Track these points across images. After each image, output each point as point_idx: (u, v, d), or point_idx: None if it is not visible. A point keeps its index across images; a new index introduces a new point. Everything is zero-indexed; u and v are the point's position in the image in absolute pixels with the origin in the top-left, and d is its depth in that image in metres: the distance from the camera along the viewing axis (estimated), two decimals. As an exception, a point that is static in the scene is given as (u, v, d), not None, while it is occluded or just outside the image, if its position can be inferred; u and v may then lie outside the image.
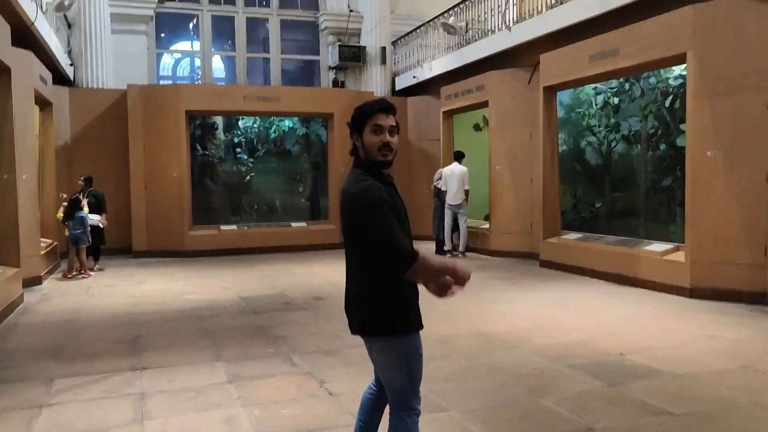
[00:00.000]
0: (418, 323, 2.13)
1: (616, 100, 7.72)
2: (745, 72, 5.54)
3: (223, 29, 12.67)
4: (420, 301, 2.17)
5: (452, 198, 9.11)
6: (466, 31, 10.08)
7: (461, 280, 1.95)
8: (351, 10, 12.57)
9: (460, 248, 9.29)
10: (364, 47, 12.41)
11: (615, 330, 4.88)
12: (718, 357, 4.16)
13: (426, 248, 10.20)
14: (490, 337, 4.77)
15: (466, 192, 9.09)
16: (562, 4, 7.74)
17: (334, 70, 12.62)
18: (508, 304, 5.93)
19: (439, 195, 9.48)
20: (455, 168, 9.16)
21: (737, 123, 5.61)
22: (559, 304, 5.95)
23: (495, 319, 5.34)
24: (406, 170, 11.42)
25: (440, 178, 9.54)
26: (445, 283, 1.93)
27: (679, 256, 6.17)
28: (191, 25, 12.86)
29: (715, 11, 5.66)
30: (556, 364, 4.05)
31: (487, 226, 9.72)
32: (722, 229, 5.72)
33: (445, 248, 9.41)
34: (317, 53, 13.02)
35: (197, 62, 13.00)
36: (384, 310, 2.07)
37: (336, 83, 12.60)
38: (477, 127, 11.03)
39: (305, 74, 13.44)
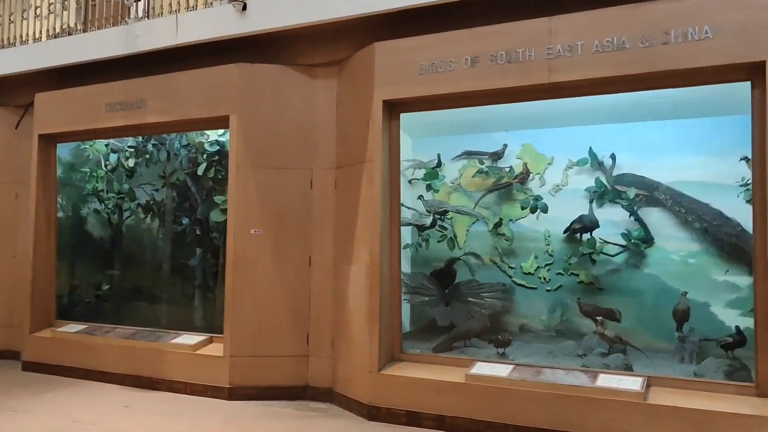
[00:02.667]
0: None
1: (132, 162, 6.52)
2: (291, 146, 5.16)
3: None
4: None
5: None
6: None
7: None
8: None
9: None
10: None
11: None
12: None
13: None
14: None
15: None
16: (70, 35, 6.20)
17: None
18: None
19: None
20: None
21: (283, 200, 5.15)
22: (66, 433, 4.22)
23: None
24: None
25: None
26: None
27: (215, 350, 5.25)
28: None
29: (261, 75, 5.16)
30: None
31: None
32: (267, 316, 5.07)
33: None
34: None
35: None
36: None
37: None
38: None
39: None
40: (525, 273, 5.72)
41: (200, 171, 5.95)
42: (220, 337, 5.25)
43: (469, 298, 5.59)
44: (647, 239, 5.24)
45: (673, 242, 5.32)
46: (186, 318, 6.01)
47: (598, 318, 4.44)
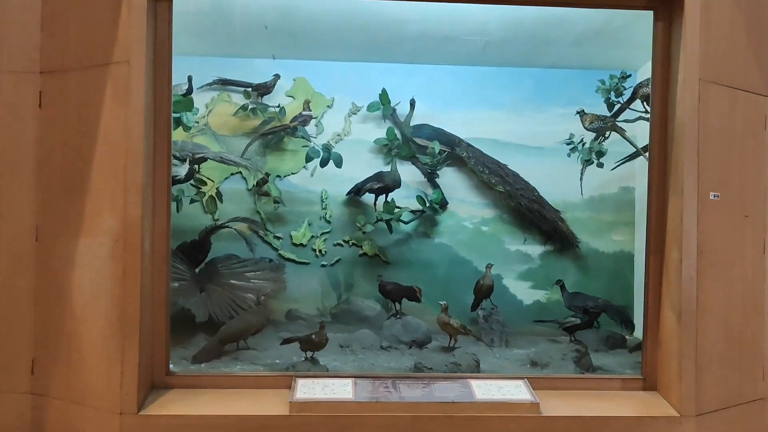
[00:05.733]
0: None
1: None
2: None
3: None
4: None
5: None
6: None
7: None
8: None
9: None
10: None
11: None
12: None
13: None
14: None
15: None
16: None
17: None
18: None
19: None
20: None
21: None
22: None
23: None
24: None
25: None
26: None
27: None
28: None
29: None
30: None
31: None
32: None
33: None
34: None
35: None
36: None
37: None
38: None
39: None
40: (295, 244, 4.50)
41: None
42: None
43: (232, 281, 4.09)
44: (444, 203, 4.48)
45: (466, 207, 4.69)
46: None
47: (441, 303, 3.47)
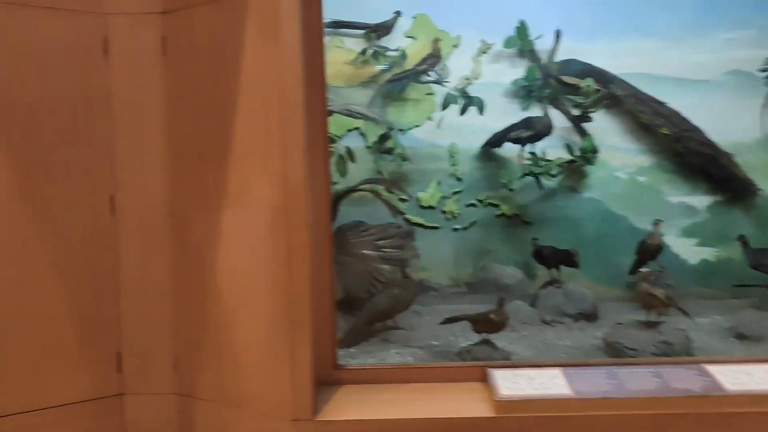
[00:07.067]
0: None
1: None
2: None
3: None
4: None
5: None
6: None
7: None
8: None
9: None
10: None
11: None
12: None
13: None
14: None
15: None
16: None
17: None
18: None
19: None
20: None
21: (38, 77, 2.36)
22: None
23: None
24: None
25: None
26: None
27: None
28: None
29: None
30: None
31: None
32: (17, 333, 2.34)
33: None
34: None
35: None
36: None
37: None
38: None
39: None
40: (423, 207, 3.94)
41: None
42: None
43: (364, 251, 3.58)
44: (594, 152, 3.85)
45: (618, 155, 4.02)
46: None
47: (641, 270, 2.90)
